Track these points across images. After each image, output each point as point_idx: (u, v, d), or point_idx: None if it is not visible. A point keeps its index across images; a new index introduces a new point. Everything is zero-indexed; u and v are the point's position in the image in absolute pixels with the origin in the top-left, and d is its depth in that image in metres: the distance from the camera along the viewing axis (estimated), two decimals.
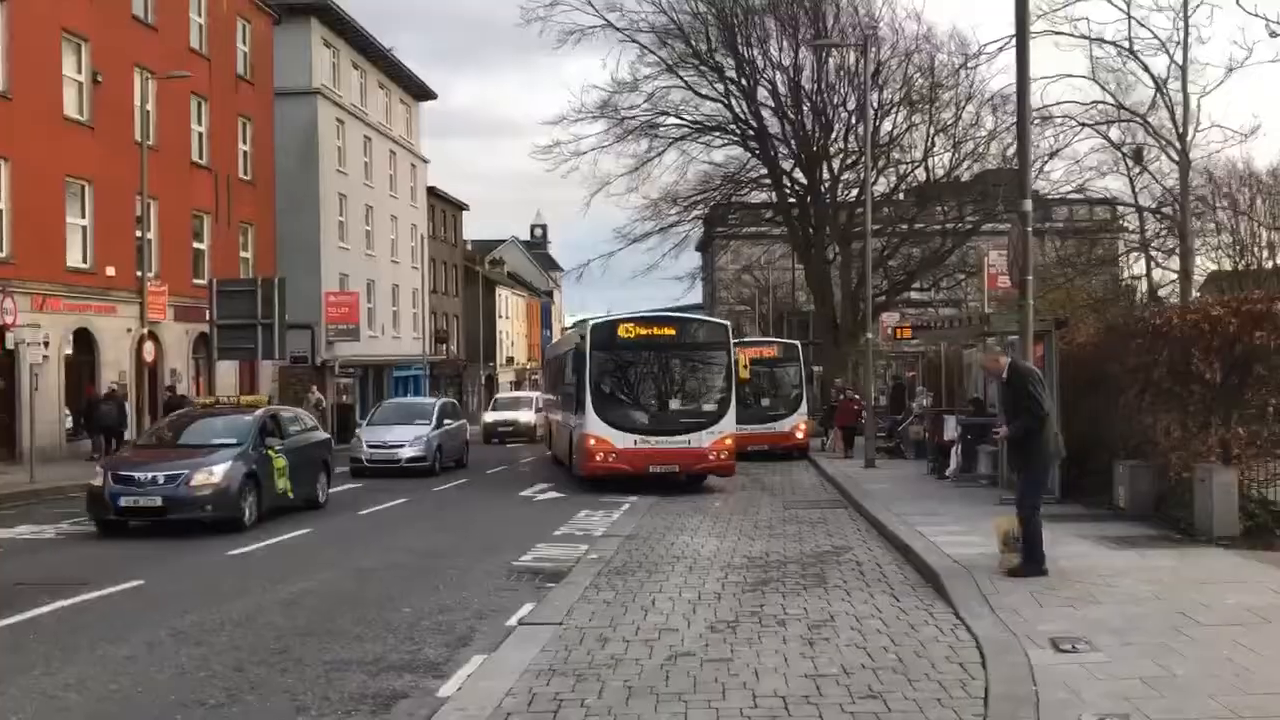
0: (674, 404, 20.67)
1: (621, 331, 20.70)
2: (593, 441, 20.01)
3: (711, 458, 20.31)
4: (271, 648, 8.30)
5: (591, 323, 21.28)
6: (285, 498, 16.71)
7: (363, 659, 7.96)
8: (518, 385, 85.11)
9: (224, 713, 6.73)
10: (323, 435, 20.04)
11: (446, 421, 26.93)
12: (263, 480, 15.87)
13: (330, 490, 18.98)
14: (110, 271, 29.12)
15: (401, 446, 25.07)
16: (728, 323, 23.03)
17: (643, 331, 20.72)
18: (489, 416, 43.59)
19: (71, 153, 27.70)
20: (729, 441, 20.53)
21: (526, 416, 42.21)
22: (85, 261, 28.65)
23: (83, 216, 28.69)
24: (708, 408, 20.66)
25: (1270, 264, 31.74)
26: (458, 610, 9.71)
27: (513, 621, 9.03)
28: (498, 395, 52.88)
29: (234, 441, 15.91)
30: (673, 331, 21.01)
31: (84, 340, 28.76)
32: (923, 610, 8.97)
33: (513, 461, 30.69)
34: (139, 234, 29.30)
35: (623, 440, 19.92)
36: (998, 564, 9.92)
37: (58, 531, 15.47)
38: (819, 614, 8.85)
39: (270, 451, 16.40)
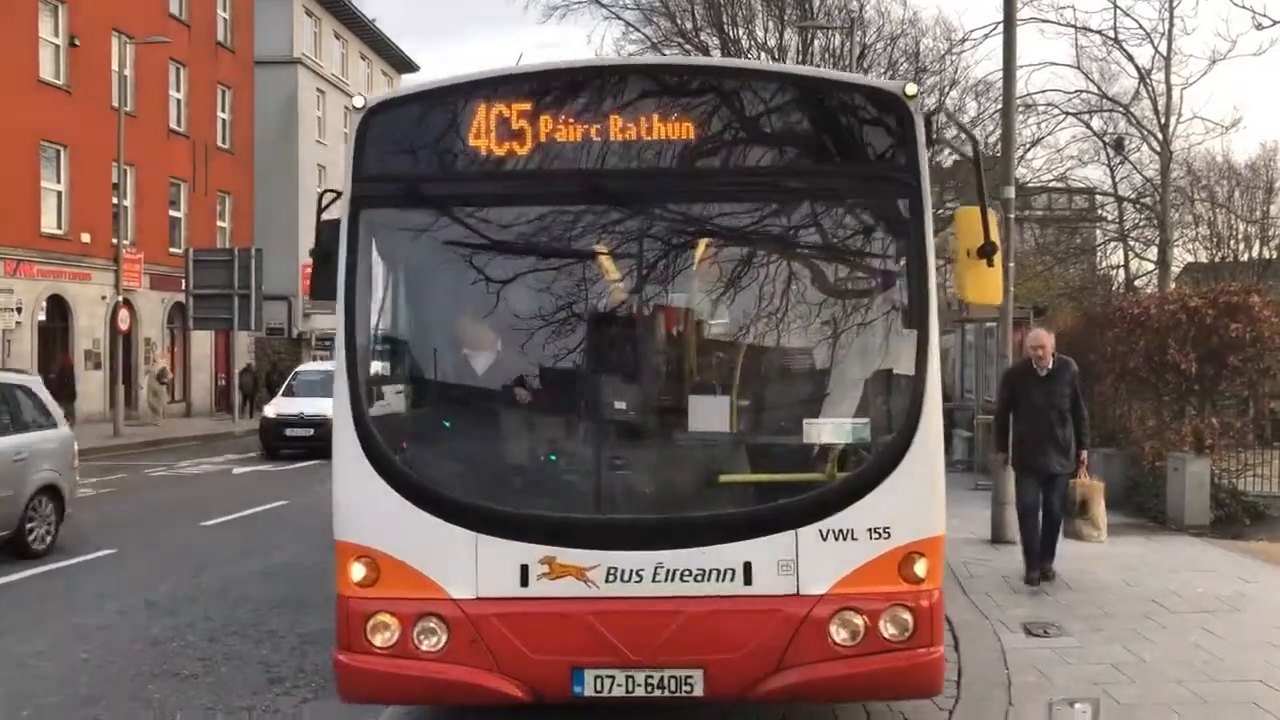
0: (692, 419, 5.17)
1: (478, 137, 4.97)
2: (361, 573, 4.94)
3: (840, 640, 4.87)
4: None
5: (373, 113, 5.06)
6: None
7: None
8: None
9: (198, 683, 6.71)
10: None
11: None
12: None
13: None
14: (85, 238, 28.79)
15: None
16: (905, 91, 5.01)
17: (559, 127, 4.98)
18: (272, 409, 22.88)
19: (47, 116, 27.28)
20: (919, 570, 4.91)
21: None
22: (60, 227, 28.31)
23: (58, 181, 28.32)
24: (828, 431, 5.17)
25: (1246, 256, 32.04)
26: None
27: None
28: (299, 369, 26.92)
29: None
30: (688, 128, 5.00)
31: (58, 307, 28.47)
32: None
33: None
34: (115, 201, 28.95)
35: (475, 579, 4.87)
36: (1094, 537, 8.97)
37: None
38: None
39: None
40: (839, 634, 4.85)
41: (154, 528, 12.84)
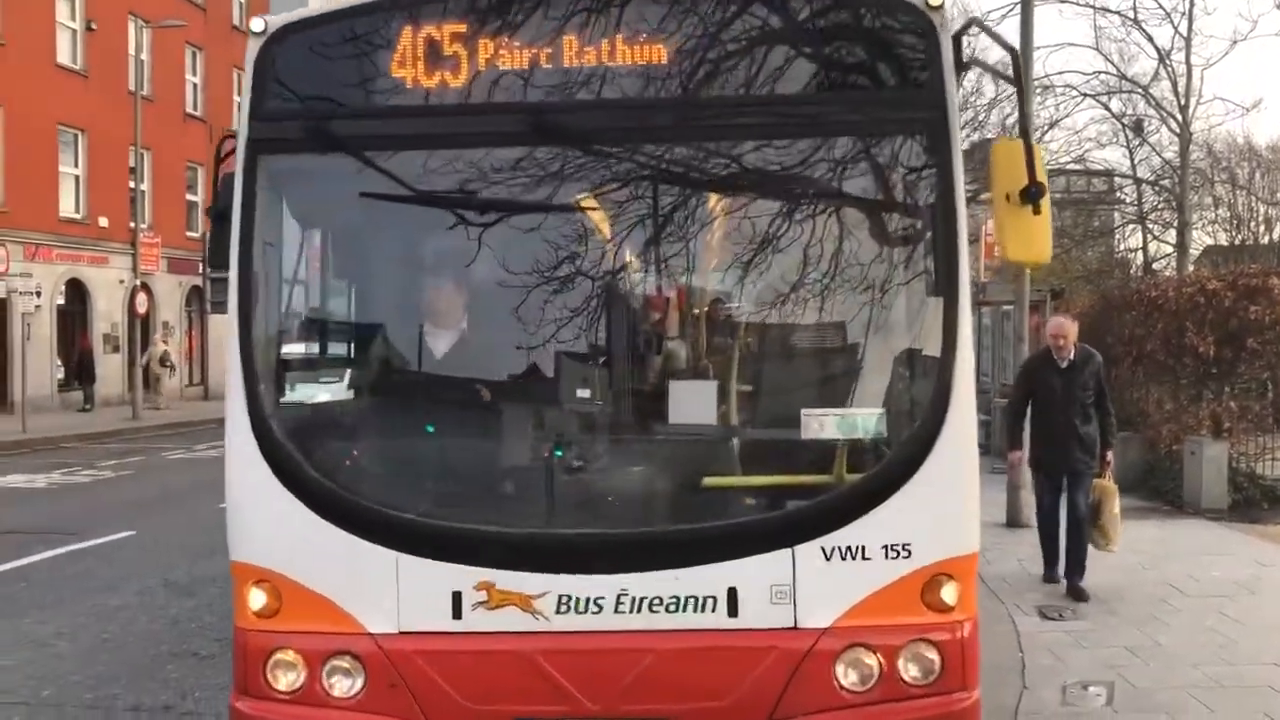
0: (673, 409, 4.15)
1: (405, 65, 3.96)
2: (261, 602, 3.98)
3: (849, 683, 3.85)
4: None
5: (277, 38, 4.05)
6: None
7: None
8: None
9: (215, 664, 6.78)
10: None
11: None
12: None
13: None
14: (103, 222, 28.94)
15: None
16: (929, 1, 3.87)
17: (502, 52, 3.95)
18: None
19: (64, 101, 27.40)
20: (947, 597, 3.89)
21: None
22: (78, 211, 28.47)
23: (76, 166, 28.46)
24: (833, 424, 4.06)
25: (1266, 239, 31.81)
26: None
27: None
28: None
29: None
30: (660, 51, 3.94)
31: (76, 291, 28.66)
32: None
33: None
34: (133, 185, 29.09)
35: (396, 609, 3.91)
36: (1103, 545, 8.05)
37: (49, 481, 15.49)
38: None
39: None
40: (847, 676, 3.82)
41: (172, 509, 12.93)
